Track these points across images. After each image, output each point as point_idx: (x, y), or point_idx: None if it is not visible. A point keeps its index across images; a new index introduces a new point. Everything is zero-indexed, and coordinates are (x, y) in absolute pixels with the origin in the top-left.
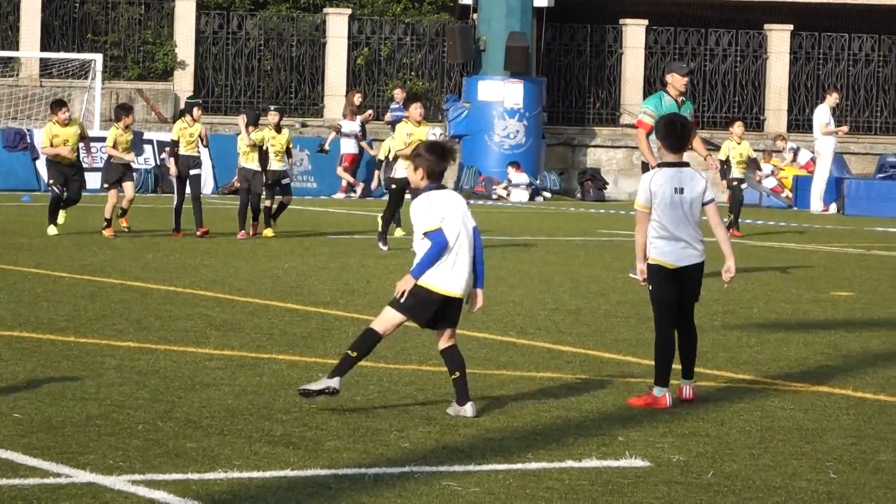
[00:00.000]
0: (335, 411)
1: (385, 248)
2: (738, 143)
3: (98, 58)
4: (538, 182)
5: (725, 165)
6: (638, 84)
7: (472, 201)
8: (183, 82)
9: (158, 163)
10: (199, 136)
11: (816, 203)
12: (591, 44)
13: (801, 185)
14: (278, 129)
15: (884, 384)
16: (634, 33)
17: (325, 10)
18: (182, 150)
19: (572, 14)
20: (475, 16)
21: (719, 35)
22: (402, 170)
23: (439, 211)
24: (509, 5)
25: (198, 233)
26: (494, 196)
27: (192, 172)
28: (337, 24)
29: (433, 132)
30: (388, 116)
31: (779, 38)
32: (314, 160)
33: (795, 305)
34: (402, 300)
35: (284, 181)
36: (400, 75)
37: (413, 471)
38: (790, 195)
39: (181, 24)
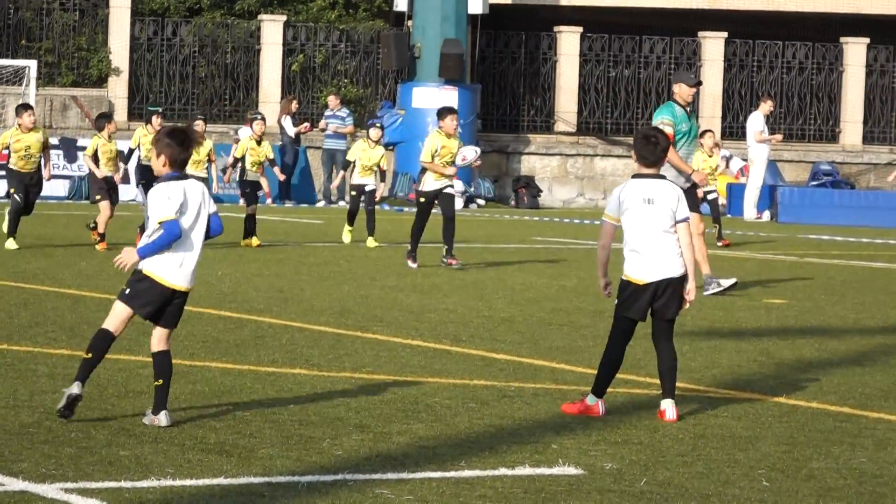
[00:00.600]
0: (269, 419)
1: (414, 265)
2: (710, 156)
3: (32, 64)
4: (472, 189)
5: None
6: (572, 91)
7: (405, 209)
8: (117, 89)
9: None
10: None
11: (750, 211)
12: (526, 51)
13: (735, 193)
14: (259, 140)
15: (816, 392)
16: (569, 40)
17: (259, 16)
18: (144, 161)
19: (507, 21)
20: (410, 23)
21: (654, 42)
22: (430, 182)
23: (177, 202)
24: (444, 12)
25: None
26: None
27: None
28: (271, 31)
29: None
30: (323, 123)
31: (713, 46)
32: None
33: (728, 313)
34: (126, 291)
35: (260, 193)
36: (334, 82)
37: (346, 478)
38: (724, 202)
39: (116, 31)
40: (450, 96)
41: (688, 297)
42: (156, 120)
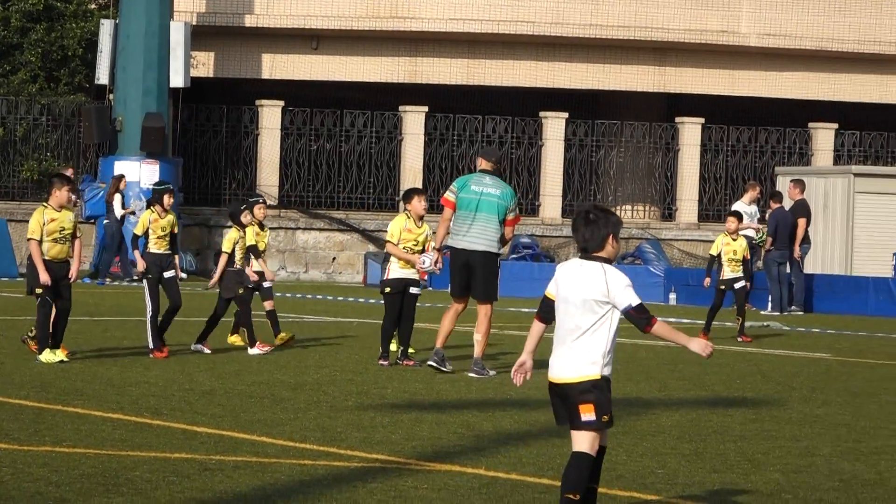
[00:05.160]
0: None
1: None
2: (734, 240)
3: None
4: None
5: (716, 264)
6: (274, 165)
7: (107, 281)
8: None
9: None
10: (172, 229)
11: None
12: (228, 124)
13: None
14: (262, 225)
15: (516, 463)
16: (271, 114)
17: None
18: (151, 248)
19: (209, 95)
20: (111, 96)
21: (355, 116)
22: (396, 270)
23: None
24: (145, 86)
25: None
26: (136, 276)
27: (165, 275)
28: None
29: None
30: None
31: (414, 120)
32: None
33: (429, 385)
34: None
35: (266, 284)
36: (36, 156)
37: None
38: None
39: None
40: (151, 170)
41: None
42: (167, 199)
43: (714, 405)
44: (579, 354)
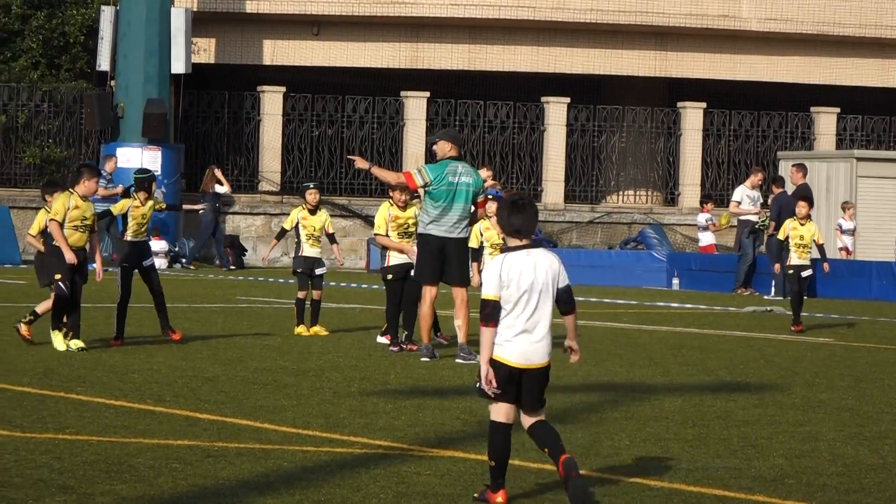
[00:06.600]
0: None
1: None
2: (802, 224)
3: None
4: (177, 249)
5: (783, 249)
6: (276, 151)
7: (109, 269)
8: None
9: None
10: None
11: None
12: (229, 111)
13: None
14: (314, 210)
15: (518, 449)
16: (272, 100)
17: None
18: (129, 236)
19: (210, 81)
20: (113, 83)
21: (357, 102)
22: (396, 256)
23: None
24: (147, 73)
25: (174, 337)
26: None
27: (144, 264)
28: None
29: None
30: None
31: (415, 105)
32: None
33: (432, 371)
34: None
35: (319, 271)
36: (38, 143)
37: None
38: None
39: None
40: (153, 156)
41: None
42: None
43: (717, 390)
44: (548, 338)
